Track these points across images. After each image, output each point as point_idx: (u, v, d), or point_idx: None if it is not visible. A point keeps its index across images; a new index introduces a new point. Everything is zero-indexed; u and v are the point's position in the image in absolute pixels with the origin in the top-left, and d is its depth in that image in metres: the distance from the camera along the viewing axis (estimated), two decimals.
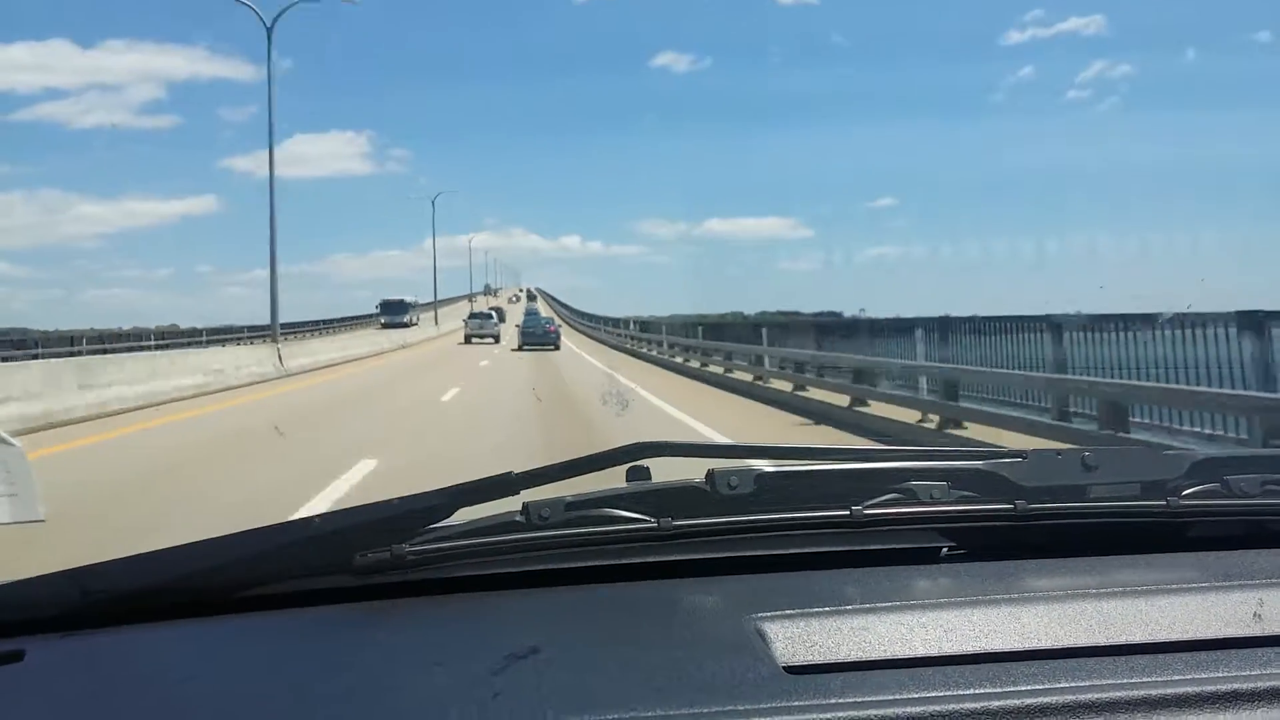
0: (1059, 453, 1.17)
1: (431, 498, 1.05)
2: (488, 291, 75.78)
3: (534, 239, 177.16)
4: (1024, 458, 1.15)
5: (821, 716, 0.77)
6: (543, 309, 62.96)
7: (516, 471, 1.07)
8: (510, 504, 1.06)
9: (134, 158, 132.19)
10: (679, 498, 1.08)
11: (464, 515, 1.05)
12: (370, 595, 1.04)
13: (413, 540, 1.02)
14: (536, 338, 35.29)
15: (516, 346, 34.68)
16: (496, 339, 41.19)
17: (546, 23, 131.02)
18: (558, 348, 34.59)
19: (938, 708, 0.77)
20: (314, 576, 1.05)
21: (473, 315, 47.52)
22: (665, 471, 1.13)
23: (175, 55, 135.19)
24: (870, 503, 1.10)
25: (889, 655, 0.86)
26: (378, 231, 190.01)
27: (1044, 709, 0.77)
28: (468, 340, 41.47)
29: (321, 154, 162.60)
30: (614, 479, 1.12)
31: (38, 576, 1.02)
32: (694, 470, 1.09)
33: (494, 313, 51.38)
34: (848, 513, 1.09)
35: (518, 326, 39.85)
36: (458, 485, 1.05)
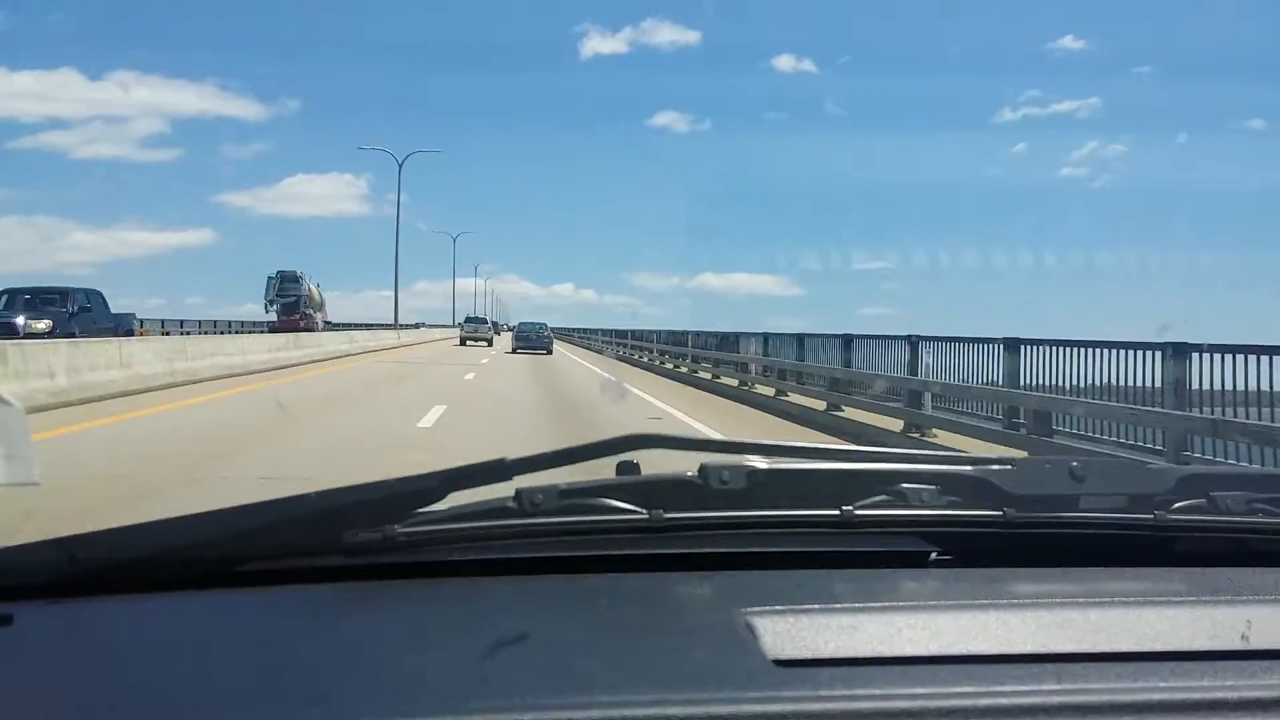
0: (1048, 462, 1.17)
1: (424, 480, 1.04)
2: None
3: (526, 285, 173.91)
4: (1013, 466, 1.15)
5: (809, 708, 0.77)
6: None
7: (509, 458, 1.06)
8: (502, 490, 1.05)
9: (132, 189, 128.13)
10: (671, 491, 1.07)
11: (456, 499, 1.04)
12: (360, 576, 1.03)
13: (404, 522, 1.02)
14: (531, 341, 38.13)
15: (511, 350, 37.32)
16: (490, 342, 44.64)
17: (550, 78, 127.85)
18: (550, 352, 37.14)
19: (924, 704, 0.78)
20: (304, 555, 1.05)
21: (468, 319, 52.52)
22: (657, 464, 1.13)
23: (185, 91, 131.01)
24: (861, 503, 1.10)
25: (876, 654, 0.86)
26: (372, 272, 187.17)
27: (1029, 709, 0.78)
28: (463, 342, 44.95)
29: (321, 194, 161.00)
30: (606, 469, 1.12)
31: (28, 544, 1.01)
32: (686, 464, 1.09)
33: (488, 319, 57.31)
34: (838, 513, 1.09)
35: (511, 331, 43.94)
36: (450, 469, 1.04)
